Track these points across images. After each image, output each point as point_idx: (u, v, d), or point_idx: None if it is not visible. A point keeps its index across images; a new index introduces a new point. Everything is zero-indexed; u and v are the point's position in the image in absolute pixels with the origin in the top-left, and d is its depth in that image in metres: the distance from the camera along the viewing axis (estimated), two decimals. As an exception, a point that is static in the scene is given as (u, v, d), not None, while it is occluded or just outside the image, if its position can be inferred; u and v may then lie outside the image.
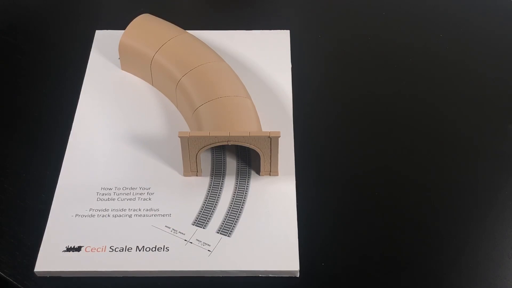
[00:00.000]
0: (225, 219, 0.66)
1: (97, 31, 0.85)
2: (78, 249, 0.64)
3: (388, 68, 0.83)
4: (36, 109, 0.78)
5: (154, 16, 0.80)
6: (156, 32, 0.78)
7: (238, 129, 0.69)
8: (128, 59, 0.79)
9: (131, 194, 0.69)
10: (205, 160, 0.71)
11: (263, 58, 0.82)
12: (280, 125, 0.74)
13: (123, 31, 0.78)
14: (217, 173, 0.70)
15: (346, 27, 0.88)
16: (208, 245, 0.64)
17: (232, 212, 0.67)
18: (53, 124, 0.76)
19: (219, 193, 0.69)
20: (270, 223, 0.66)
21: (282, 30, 0.85)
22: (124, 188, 0.69)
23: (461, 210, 0.69)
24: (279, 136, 0.67)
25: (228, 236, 0.65)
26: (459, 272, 0.64)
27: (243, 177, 0.70)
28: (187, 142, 0.67)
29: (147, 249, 0.64)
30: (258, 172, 0.70)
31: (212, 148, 0.71)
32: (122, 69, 0.81)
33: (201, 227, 0.66)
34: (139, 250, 0.64)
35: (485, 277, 0.64)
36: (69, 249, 0.64)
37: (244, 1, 0.92)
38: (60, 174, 0.70)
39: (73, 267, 0.63)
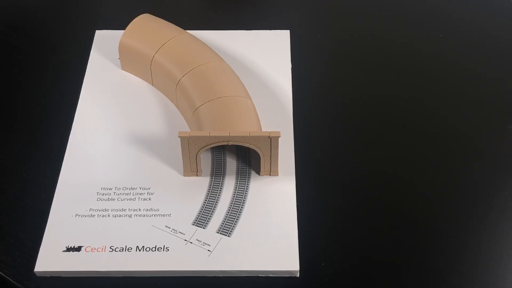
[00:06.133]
0: (225, 219, 0.66)
1: (97, 31, 0.85)
2: (78, 249, 0.64)
3: (388, 68, 0.83)
4: (36, 109, 0.78)
5: (154, 16, 0.80)
6: (156, 32, 0.78)
7: (238, 129, 0.69)
8: (128, 59, 0.79)
9: (131, 194, 0.69)
10: (205, 160, 0.71)
11: (263, 58, 0.82)
12: (280, 125, 0.74)
13: (123, 31, 0.78)
14: (217, 173, 0.70)
15: (346, 27, 0.88)
16: (208, 245, 0.64)
17: (232, 212, 0.67)
18: (53, 124, 0.76)
19: (219, 193, 0.69)
20: (270, 223, 0.66)
21: (282, 30, 0.85)
22: (124, 188, 0.69)
23: (461, 210, 0.69)
24: (279, 136, 0.67)
25: (228, 236, 0.65)
26: (459, 272, 0.64)
27: (243, 177, 0.70)
28: (187, 142, 0.67)
29: (147, 249, 0.64)
30: (258, 172, 0.70)
31: (212, 148, 0.71)
32: (122, 69, 0.81)
33: (201, 227, 0.66)
34: (139, 250, 0.64)
35: (485, 277, 0.64)
36: (69, 249, 0.64)
37: (244, 1, 0.92)
38: (60, 174, 0.70)
39: (73, 267, 0.63)
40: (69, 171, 0.70)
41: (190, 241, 0.65)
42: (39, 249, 0.64)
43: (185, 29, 0.80)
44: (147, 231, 0.66)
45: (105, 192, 0.69)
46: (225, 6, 0.92)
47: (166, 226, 0.66)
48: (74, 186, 0.69)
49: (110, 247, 0.64)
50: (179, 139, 0.67)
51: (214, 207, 0.67)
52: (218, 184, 0.69)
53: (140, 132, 0.74)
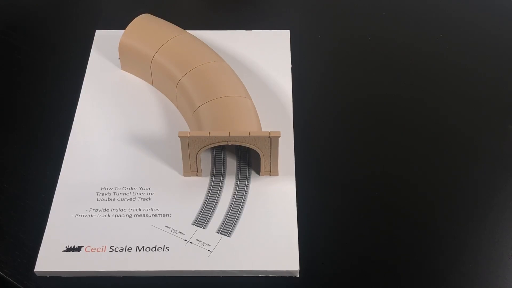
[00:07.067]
0: (225, 219, 0.66)
1: (97, 31, 0.85)
2: (78, 249, 0.64)
3: (388, 68, 0.83)
4: (36, 109, 0.78)
5: (154, 16, 0.80)
6: (156, 32, 0.78)
7: (238, 129, 0.69)
8: (128, 59, 0.79)
9: (131, 194, 0.69)
10: (205, 160, 0.71)
11: (263, 58, 0.82)
12: (280, 125, 0.74)
13: (123, 31, 0.78)
14: (217, 173, 0.70)
15: (346, 27, 0.88)
16: (208, 245, 0.64)
17: (232, 212, 0.67)
18: (53, 124, 0.76)
19: (219, 193, 0.69)
20: (270, 223, 0.66)
21: (282, 30, 0.85)
22: (124, 188, 0.69)
23: (461, 210, 0.69)
24: (279, 136, 0.67)
25: (228, 236, 0.65)
26: (459, 272, 0.64)
27: (243, 177, 0.70)
28: (187, 142, 0.67)
29: (147, 249, 0.64)
30: (258, 172, 0.70)
31: (212, 148, 0.71)
32: (122, 69, 0.81)
33: (201, 227, 0.66)
34: (139, 250, 0.64)
35: (485, 277, 0.64)
36: (69, 249, 0.64)
37: (244, 1, 0.92)
38: (60, 174, 0.70)
39: (73, 267, 0.63)
40: (69, 171, 0.71)
41: (190, 241, 0.65)
42: (39, 249, 0.64)
43: (185, 29, 0.80)
44: (147, 231, 0.66)
45: (105, 192, 0.69)
46: (225, 6, 0.92)
47: (166, 226, 0.66)
48: (74, 186, 0.69)
49: (110, 247, 0.64)
50: (179, 139, 0.67)
51: (214, 207, 0.67)
52: (218, 184, 0.69)
53: (140, 132, 0.74)
